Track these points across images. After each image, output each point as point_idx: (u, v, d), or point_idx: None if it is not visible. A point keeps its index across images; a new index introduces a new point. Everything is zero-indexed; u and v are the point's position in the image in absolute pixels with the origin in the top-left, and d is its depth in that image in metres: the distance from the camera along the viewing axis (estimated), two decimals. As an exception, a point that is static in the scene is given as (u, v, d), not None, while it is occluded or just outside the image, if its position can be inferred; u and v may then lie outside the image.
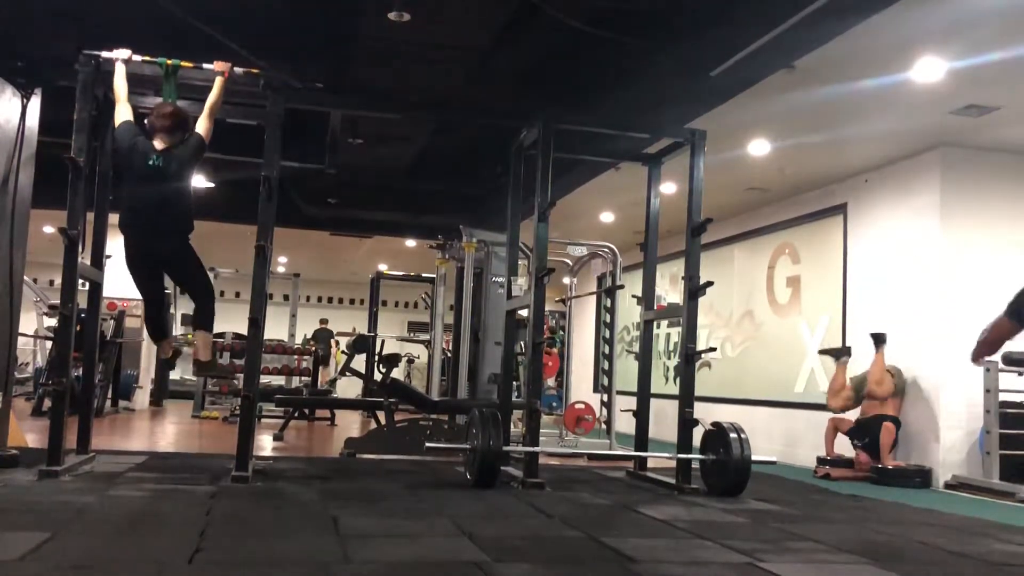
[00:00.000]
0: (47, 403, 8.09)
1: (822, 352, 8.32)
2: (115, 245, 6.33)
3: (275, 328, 12.01)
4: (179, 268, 5.48)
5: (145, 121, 5.37)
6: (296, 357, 13.87)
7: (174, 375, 15.90)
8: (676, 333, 10.79)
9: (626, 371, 10.17)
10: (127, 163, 5.30)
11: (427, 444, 5.95)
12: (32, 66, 5.68)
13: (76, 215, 5.19)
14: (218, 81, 5.34)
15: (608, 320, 9.64)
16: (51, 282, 14.80)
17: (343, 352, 13.97)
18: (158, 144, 5.25)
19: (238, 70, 5.50)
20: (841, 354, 7.91)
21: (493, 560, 3.29)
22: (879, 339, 7.50)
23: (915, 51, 5.43)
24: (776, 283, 9.58)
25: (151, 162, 5.21)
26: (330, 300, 21.02)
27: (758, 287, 9.87)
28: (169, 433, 9.59)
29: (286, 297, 16.25)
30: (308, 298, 19.74)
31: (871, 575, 3.43)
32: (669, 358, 11.64)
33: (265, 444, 8.19)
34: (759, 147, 7.53)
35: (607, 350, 9.55)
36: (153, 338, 6.16)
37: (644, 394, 6.69)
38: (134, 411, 11.97)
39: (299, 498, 4.85)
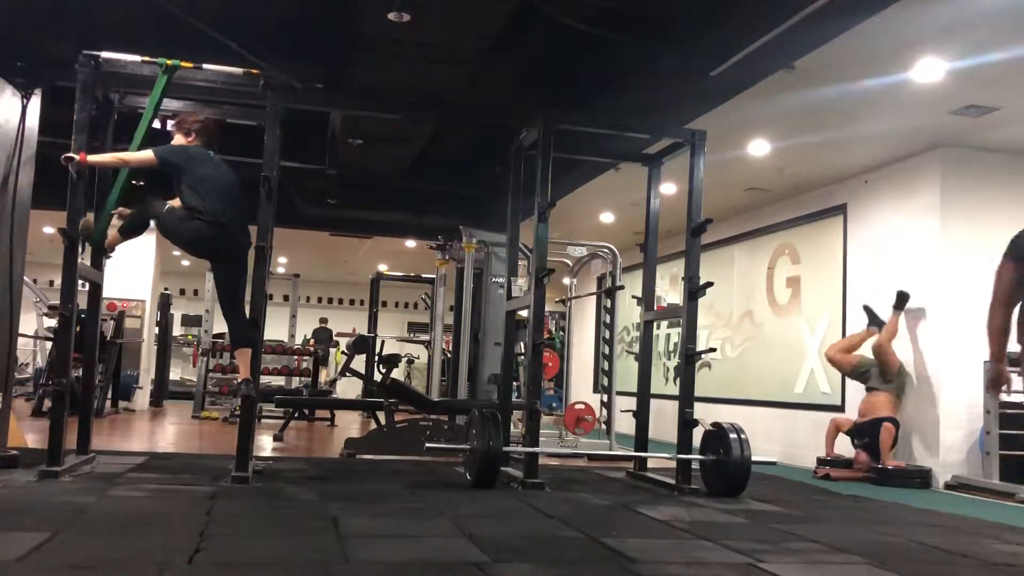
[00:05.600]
0: (47, 403, 8.10)
1: (867, 308, 7.98)
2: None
3: (275, 328, 12.03)
4: (235, 266, 5.45)
5: (177, 124, 5.52)
6: (296, 357, 13.89)
7: (174, 375, 15.93)
8: (676, 333, 10.79)
9: (626, 371, 10.17)
10: (190, 167, 5.29)
11: (427, 444, 5.96)
12: (32, 66, 5.68)
13: (76, 215, 5.19)
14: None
15: (608, 320, 9.63)
16: (51, 282, 14.81)
17: (343, 352, 13.97)
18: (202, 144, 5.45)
19: (237, 70, 5.51)
20: (876, 322, 7.80)
21: (493, 560, 3.29)
22: (903, 298, 7.45)
23: (915, 51, 5.43)
24: (776, 283, 9.58)
25: (212, 154, 5.40)
26: (330, 300, 21.03)
27: (758, 287, 9.87)
28: (169, 434, 9.59)
29: (286, 297, 16.27)
30: (308, 298, 19.76)
31: (871, 575, 3.43)
32: (669, 358, 11.64)
33: (265, 444, 8.19)
34: (759, 147, 7.53)
35: (607, 350, 9.55)
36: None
37: (644, 394, 6.69)
38: (134, 412, 11.96)
39: (299, 498, 4.85)
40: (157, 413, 12.37)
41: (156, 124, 5.96)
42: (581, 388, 12.23)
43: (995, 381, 4.13)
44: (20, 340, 7.24)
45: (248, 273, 5.46)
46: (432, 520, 4.24)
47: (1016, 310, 4.00)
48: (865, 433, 7.40)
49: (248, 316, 5.43)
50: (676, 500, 5.44)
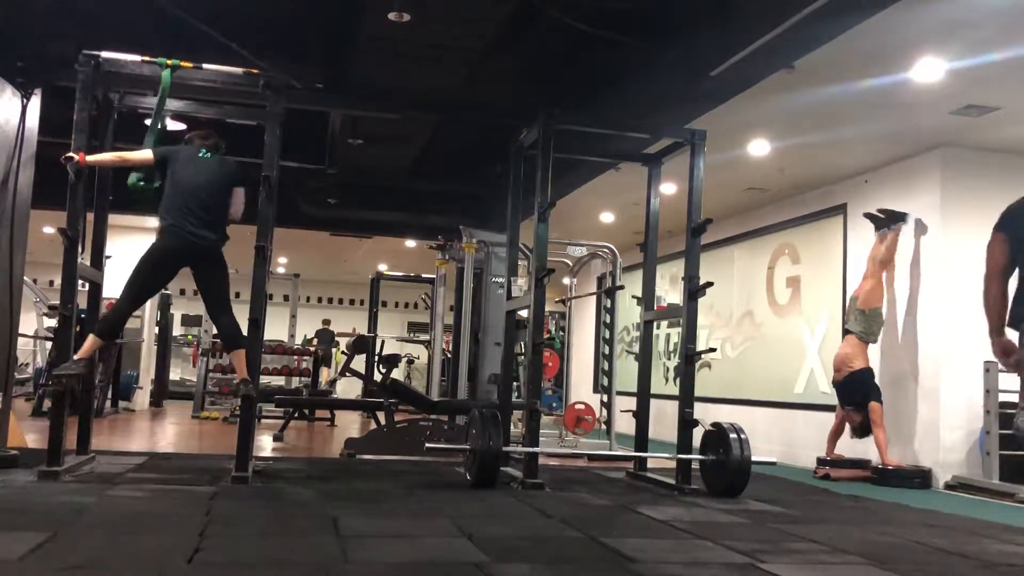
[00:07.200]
0: (47, 403, 8.09)
1: (867, 215, 7.95)
2: (115, 245, 6.35)
3: (275, 328, 12.02)
4: (208, 264, 5.44)
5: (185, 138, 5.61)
6: (296, 357, 13.88)
7: (174, 375, 15.92)
8: (676, 333, 10.79)
9: (626, 371, 10.17)
10: (173, 168, 5.33)
11: (427, 445, 5.96)
12: (32, 66, 5.68)
13: (76, 215, 5.19)
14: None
15: (608, 320, 9.63)
16: (51, 282, 14.78)
17: (343, 352, 13.97)
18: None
19: (237, 70, 5.52)
20: (896, 220, 7.67)
21: (493, 560, 3.29)
22: (899, 217, 7.54)
23: (915, 51, 5.43)
24: (776, 283, 9.58)
25: (201, 153, 5.40)
26: (330, 300, 21.02)
27: (758, 287, 9.87)
28: (169, 434, 9.59)
29: (286, 297, 16.27)
30: (308, 298, 19.75)
31: (871, 575, 3.43)
32: (669, 358, 11.64)
33: (265, 444, 8.19)
34: (759, 147, 7.53)
35: (607, 350, 9.55)
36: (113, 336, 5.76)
37: (644, 394, 6.69)
38: (134, 412, 11.96)
39: (299, 498, 4.85)
40: (157, 413, 12.36)
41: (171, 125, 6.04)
42: (581, 388, 12.23)
43: (1004, 351, 3.89)
44: (20, 340, 7.23)
45: (230, 273, 5.50)
46: (432, 520, 4.24)
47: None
48: (850, 394, 7.44)
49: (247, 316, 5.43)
50: (676, 500, 5.44)
